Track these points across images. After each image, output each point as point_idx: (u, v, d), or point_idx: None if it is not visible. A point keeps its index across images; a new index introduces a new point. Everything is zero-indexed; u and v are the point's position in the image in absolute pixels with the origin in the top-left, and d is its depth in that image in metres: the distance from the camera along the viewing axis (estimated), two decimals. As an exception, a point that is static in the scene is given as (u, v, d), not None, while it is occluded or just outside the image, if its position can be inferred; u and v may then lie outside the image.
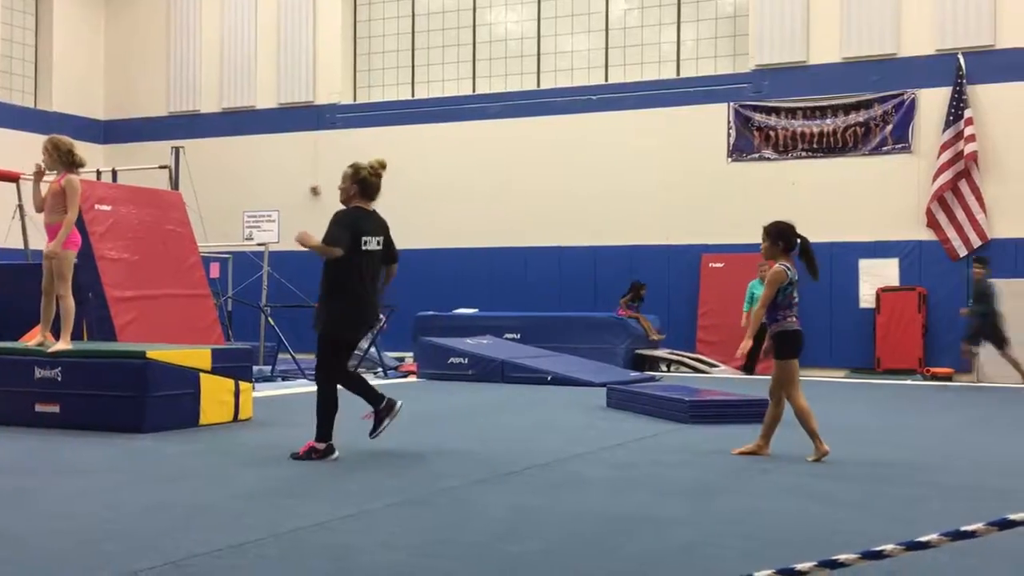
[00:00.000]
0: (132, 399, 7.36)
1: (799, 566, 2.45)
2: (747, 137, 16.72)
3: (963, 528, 2.27)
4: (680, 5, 17.72)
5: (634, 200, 17.18)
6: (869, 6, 16.04)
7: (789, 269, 6.37)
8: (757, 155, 16.67)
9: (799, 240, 6.43)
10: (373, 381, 12.87)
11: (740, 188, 16.50)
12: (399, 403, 6.43)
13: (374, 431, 6.42)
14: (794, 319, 6.39)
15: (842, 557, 2.40)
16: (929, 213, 15.58)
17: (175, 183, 14.09)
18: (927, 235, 15.66)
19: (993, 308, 13.14)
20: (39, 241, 8.14)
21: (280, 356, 13.71)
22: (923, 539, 2.30)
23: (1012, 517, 2.21)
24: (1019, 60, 15.20)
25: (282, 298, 16.23)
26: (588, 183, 17.46)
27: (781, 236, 6.42)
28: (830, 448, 6.32)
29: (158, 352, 7.64)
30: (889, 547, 2.36)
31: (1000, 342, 13.07)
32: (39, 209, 8.03)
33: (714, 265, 16.62)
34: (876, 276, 15.90)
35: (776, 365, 6.40)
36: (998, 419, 9.57)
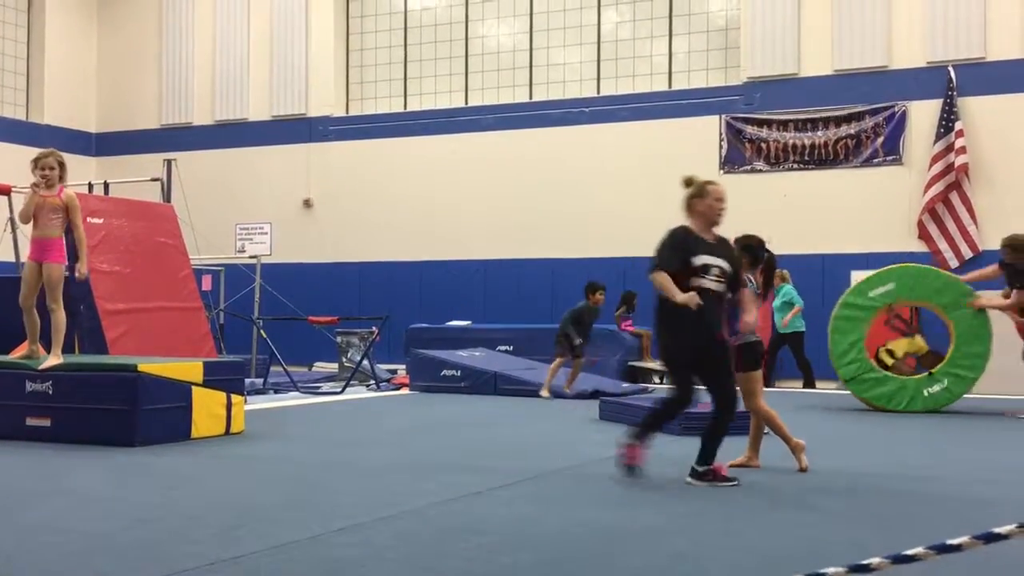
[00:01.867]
0: (123, 412, 7.35)
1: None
2: (739, 149, 16.78)
3: (949, 542, 2.29)
4: (672, 18, 17.80)
5: (627, 212, 17.20)
6: (860, 19, 16.12)
7: (751, 281, 6.51)
8: (749, 167, 16.73)
9: (766, 255, 6.60)
10: (365, 393, 12.93)
11: (732, 200, 16.09)
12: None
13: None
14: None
15: (829, 571, 2.41)
16: (920, 225, 15.64)
17: (167, 195, 14.09)
18: (918, 247, 15.71)
19: None
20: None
21: (272, 369, 13.70)
22: (909, 552, 2.32)
23: (998, 530, 2.23)
24: (1009, 72, 15.29)
25: (274, 310, 16.24)
26: (581, 195, 17.50)
27: (747, 250, 6.59)
28: (804, 440, 6.48)
29: (150, 365, 7.64)
30: (875, 560, 2.37)
31: None
32: (26, 221, 8.04)
33: (706, 277, 16.59)
34: (868, 287, 15.89)
35: (740, 378, 6.48)
36: (986, 430, 9.60)
